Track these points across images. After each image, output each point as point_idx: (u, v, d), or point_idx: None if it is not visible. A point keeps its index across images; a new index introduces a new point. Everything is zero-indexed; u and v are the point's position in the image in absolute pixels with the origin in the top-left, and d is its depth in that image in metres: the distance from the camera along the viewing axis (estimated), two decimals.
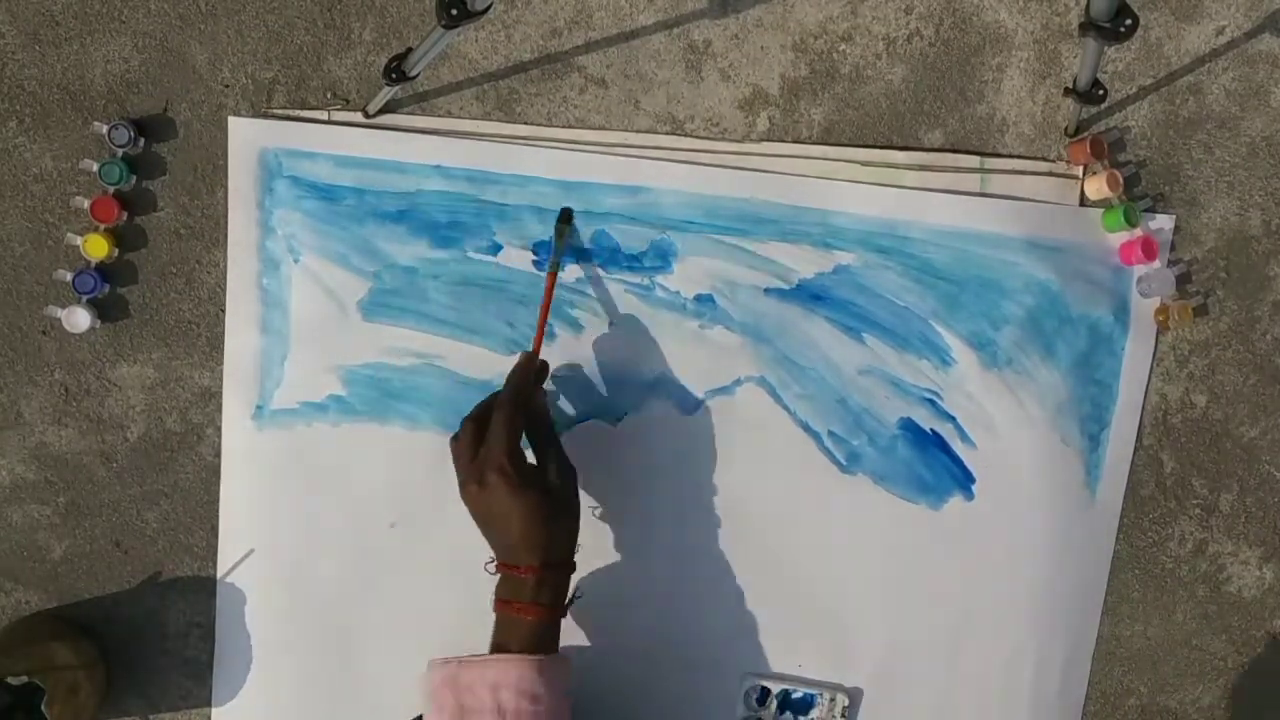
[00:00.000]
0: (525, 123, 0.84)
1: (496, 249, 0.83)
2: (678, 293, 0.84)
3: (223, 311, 0.84)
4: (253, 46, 0.82)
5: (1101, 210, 0.85)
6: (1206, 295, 0.87)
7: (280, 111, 0.83)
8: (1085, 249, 0.85)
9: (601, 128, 0.84)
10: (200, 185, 0.83)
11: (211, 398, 0.85)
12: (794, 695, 0.87)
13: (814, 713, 0.87)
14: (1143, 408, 0.87)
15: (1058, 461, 0.86)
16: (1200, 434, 0.88)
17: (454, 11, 0.62)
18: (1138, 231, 0.85)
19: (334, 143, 0.82)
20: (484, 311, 0.84)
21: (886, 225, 0.84)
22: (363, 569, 0.85)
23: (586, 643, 0.85)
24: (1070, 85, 0.79)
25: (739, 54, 0.84)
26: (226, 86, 0.82)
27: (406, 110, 0.83)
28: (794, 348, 0.84)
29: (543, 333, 0.79)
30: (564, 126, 0.84)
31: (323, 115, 0.83)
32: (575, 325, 0.84)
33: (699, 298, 0.84)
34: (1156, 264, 0.85)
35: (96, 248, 0.81)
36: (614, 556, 0.85)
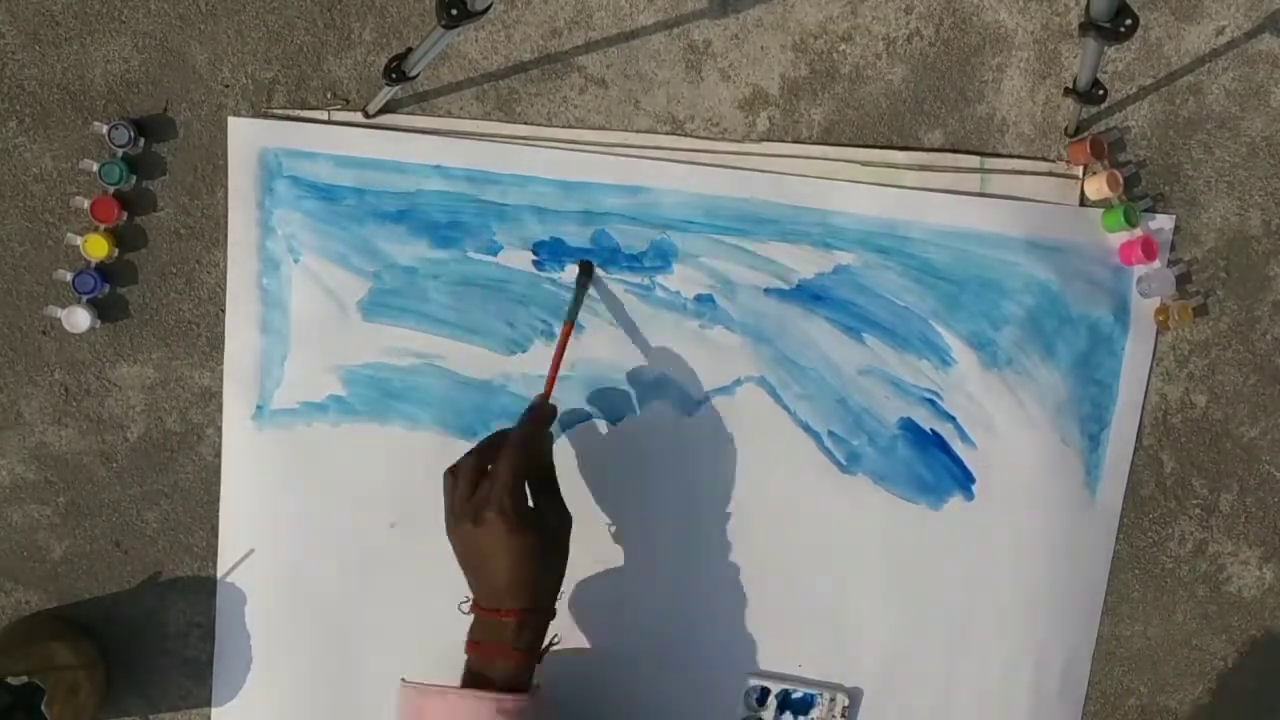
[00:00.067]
0: (525, 123, 0.84)
1: (496, 249, 0.83)
2: (678, 293, 0.84)
3: (223, 311, 0.84)
4: (253, 46, 0.82)
5: (1101, 210, 0.85)
6: (1206, 295, 0.87)
7: (280, 111, 0.83)
8: (1085, 249, 0.85)
9: (601, 128, 0.84)
10: (200, 185, 0.83)
11: (211, 398, 0.85)
12: (794, 695, 0.87)
13: (814, 713, 0.87)
14: (1143, 408, 0.87)
15: (1058, 461, 0.86)
16: (1200, 434, 0.88)
17: (454, 11, 0.62)
18: (1138, 231, 0.85)
19: (334, 143, 0.82)
20: (484, 311, 0.84)
21: (886, 225, 0.84)
22: (363, 569, 0.85)
23: (587, 643, 0.85)
24: (1070, 85, 0.79)
25: (739, 54, 0.84)
26: (226, 86, 0.82)
27: (406, 110, 0.83)
28: (794, 348, 0.84)
29: (555, 379, 0.78)
30: (564, 126, 0.84)
31: (323, 115, 0.83)
32: (575, 325, 0.84)
33: (699, 298, 0.84)
34: (1156, 264, 0.85)
35: (96, 248, 0.81)
36: (614, 556, 0.85)
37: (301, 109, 0.83)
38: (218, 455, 0.85)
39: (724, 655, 0.86)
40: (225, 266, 0.83)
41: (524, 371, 0.84)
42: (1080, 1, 0.84)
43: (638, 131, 0.84)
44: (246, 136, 0.82)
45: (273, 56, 0.82)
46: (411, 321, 0.84)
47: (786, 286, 0.84)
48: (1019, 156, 0.85)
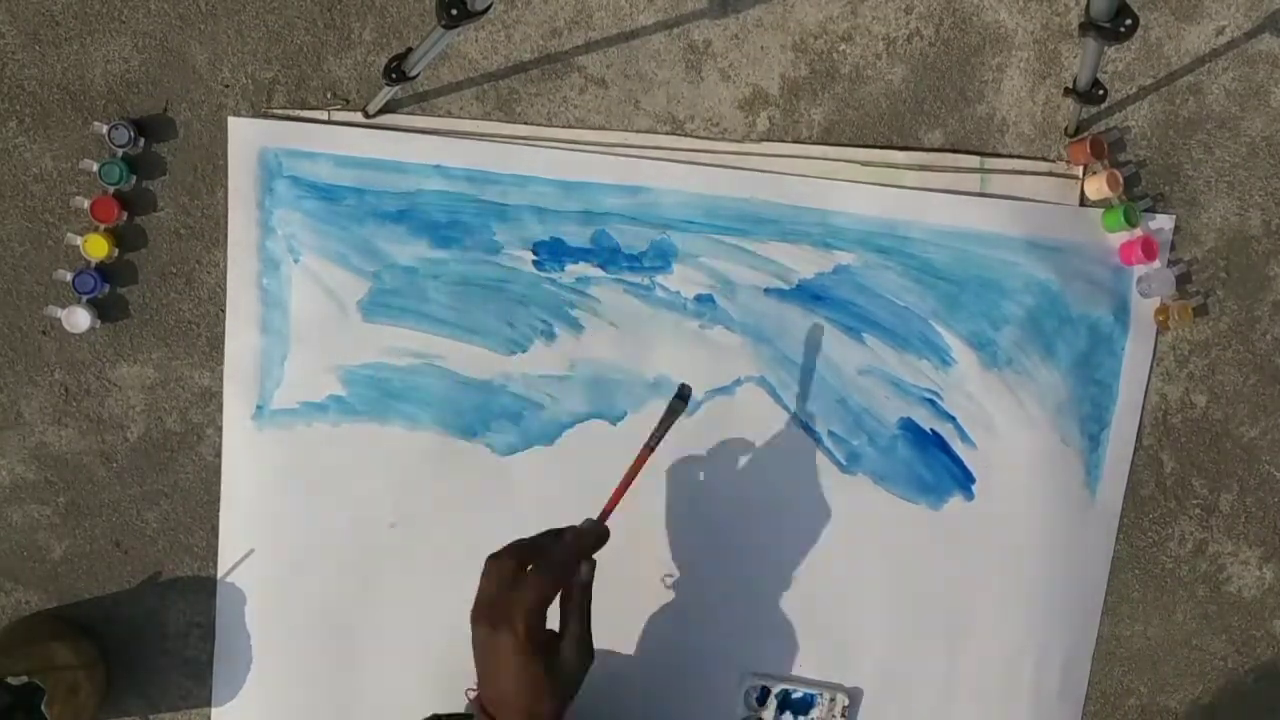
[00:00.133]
0: (525, 123, 0.84)
1: (496, 249, 0.83)
2: (678, 293, 0.84)
3: (223, 311, 0.84)
4: (253, 46, 0.82)
5: (1101, 210, 0.85)
6: (1206, 295, 0.87)
7: (280, 111, 0.83)
8: (1085, 249, 0.85)
9: (601, 128, 0.84)
10: (200, 185, 0.83)
11: (211, 398, 0.85)
12: (794, 695, 0.87)
13: (814, 713, 0.87)
14: (1143, 408, 0.87)
15: (1058, 461, 0.86)
16: (1200, 434, 0.88)
17: (454, 11, 0.62)
18: (1138, 231, 0.85)
19: (334, 143, 0.82)
20: (484, 311, 0.84)
21: (886, 225, 0.84)
22: (363, 569, 0.85)
23: None
24: (1070, 85, 0.79)
25: (739, 54, 0.84)
26: (226, 86, 0.82)
27: (406, 110, 0.83)
28: (794, 348, 0.84)
29: (616, 505, 0.75)
30: (564, 126, 0.84)
31: (323, 115, 0.83)
32: (575, 325, 0.84)
33: (699, 298, 0.84)
34: (1156, 264, 0.85)
35: (96, 248, 0.81)
36: (614, 556, 0.85)
37: (301, 109, 0.83)
38: (218, 455, 0.85)
39: (724, 655, 0.86)
40: (225, 266, 0.83)
41: (524, 371, 0.84)
42: (1080, 1, 0.84)
43: (638, 131, 0.84)
44: (246, 136, 0.82)
45: (273, 56, 0.82)
46: (411, 321, 0.84)
47: (786, 286, 0.84)
48: (1019, 156, 0.85)
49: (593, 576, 0.74)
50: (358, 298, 0.83)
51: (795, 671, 0.87)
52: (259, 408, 0.84)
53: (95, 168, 0.81)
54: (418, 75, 0.76)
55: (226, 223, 0.83)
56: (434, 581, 0.85)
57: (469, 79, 0.83)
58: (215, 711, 0.86)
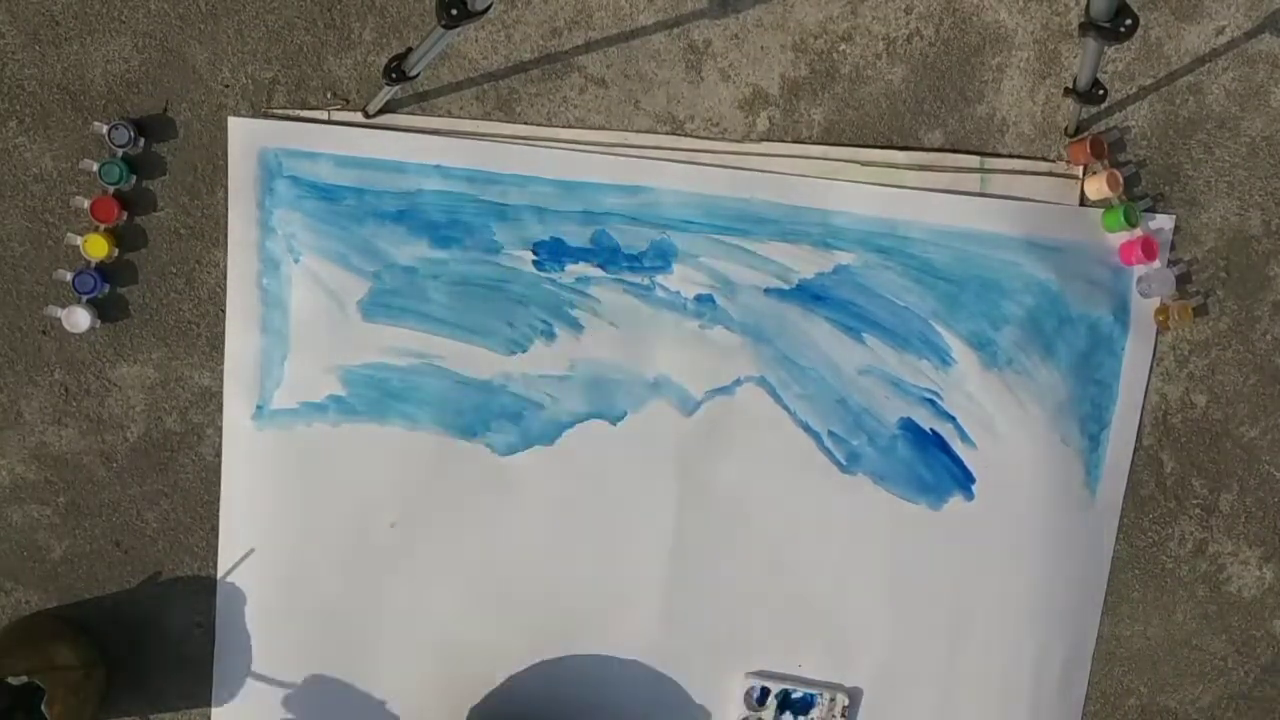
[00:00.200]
0: (525, 123, 0.84)
1: (496, 249, 0.83)
2: (678, 293, 0.84)
3: (223, 311, 0.84)
4: (253, 46, 0.82)
5: (1101, 210, 0.85)
6: (1206, 295, 0.87)
7: (280, 111, 0.83)
8: (1085, 249, 0.85)
9: (601, 128, 0.84)
10: (200, 185, 0.83)
11: (211, 398, 0.85)
12: (794, 695, 0.87)
13: (814, 713, 0.87)
14: (1143, 408, 0.87)
15: (1058, 461, 0.86)
16: (1200, 434, 0.88)
17: (454, 11, 0.62)
18: (1138, 231, 0.85)
19: (334, 143, 0.82)
20: (484, 311, 0.84)
21: (886, 225, 0.84)
22: (362, 568, 0.85)
23: (587, 643, 0.85)
24: (1070, 85, 0.79)
25: (739, 54, 0.84)
26: (226, 86, 0.82)
27: (406, 110, 0.83)
28: (794, 348, 0.84)
29: None
30: (564, 126, 0.84)
31: (323, 115, 0.83)
32: (575, 325, 0.84)
33: (699, 298, 0.84)
34: (1156, 264, 0.85)
35: (96, 248, 0.81)
36: (614, 556, 0.85)
37: (301, 109, 0.83)
38: (218, 455, 0.85)
39: (724, 655, 0.86)
40: (225, 266, 0.83)
41: (524, 371, 0.84)
42: (1080, 1, 0.84)
43: (638, 131, 0.84)
44: (246, 136, 0.82)
45: (273, 56, 0.82)
46: (411, 321, 0.84)
47: (786, 286, 0.84)
48: (1019, 156, 0.85)
49: None
50: (358, 298, 0.83)
51: (795, 672, 0.87)
52: (259, 408, 0.84)
53: (95, 168, 0.81)
54: (418, 75, 0.76)
55: (226, 223, 0.83)
56: (433, 580, 0.85)
57: (469, 79, 0.83)
58: (215, 711, 0.86)
